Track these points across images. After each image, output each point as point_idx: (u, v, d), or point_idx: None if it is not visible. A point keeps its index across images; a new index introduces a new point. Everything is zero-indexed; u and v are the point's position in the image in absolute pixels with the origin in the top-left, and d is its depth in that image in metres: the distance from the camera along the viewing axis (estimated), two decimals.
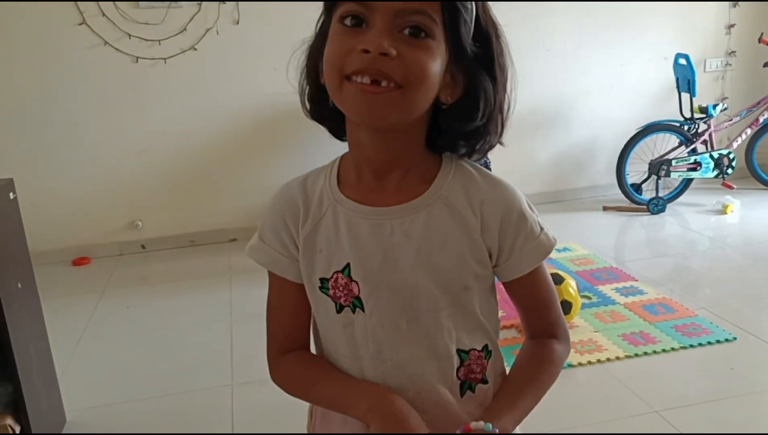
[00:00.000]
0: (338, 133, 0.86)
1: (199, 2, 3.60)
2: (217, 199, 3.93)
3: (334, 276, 0.84)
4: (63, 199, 3.73)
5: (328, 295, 0.85)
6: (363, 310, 0.83)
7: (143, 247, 3.87)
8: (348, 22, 0.74)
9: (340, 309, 0.85)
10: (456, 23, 0.75)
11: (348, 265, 0.83)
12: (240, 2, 3.64)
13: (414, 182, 0.83)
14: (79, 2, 3.46)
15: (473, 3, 0.77)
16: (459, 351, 0.85)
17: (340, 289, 0.84)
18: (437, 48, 0.75)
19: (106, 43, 3.55)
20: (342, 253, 0.83)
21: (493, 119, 0.82)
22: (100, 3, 3.48)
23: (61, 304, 3.10)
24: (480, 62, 0.79)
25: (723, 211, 3.93)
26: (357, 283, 0.83)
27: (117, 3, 3.50)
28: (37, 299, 2.10)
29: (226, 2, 3.62)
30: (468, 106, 0.80)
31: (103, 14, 3.50)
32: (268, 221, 0.89)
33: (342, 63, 0.73)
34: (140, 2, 3.53)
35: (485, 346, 0.87)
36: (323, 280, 0.85)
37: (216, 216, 3.94)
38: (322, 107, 0.83)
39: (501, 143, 0.85)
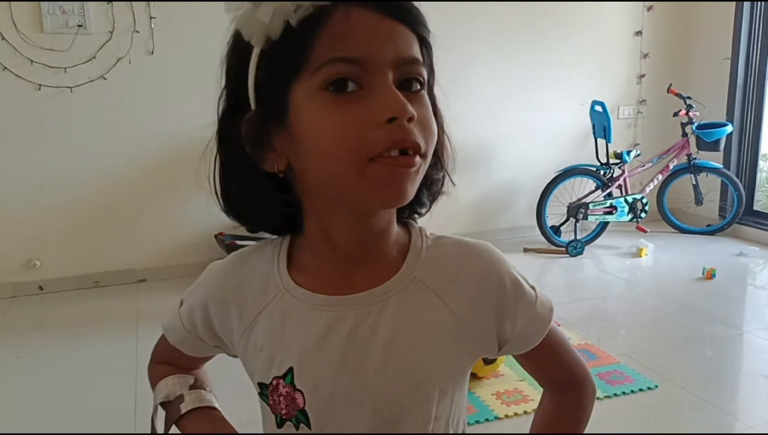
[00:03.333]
0: (281, 230, 0.72)
1: (110, 31, 3.41)
2: (125, 238, 3.68)
3: (275, 382, 0.68)
4: None
5: (267, 403, 0.70)
6: (308, 426, 0.67)
7: (41, 288, 3.57)
8: (333, 88, 0.58)
9: (281, 422, 0.69)
10: (432, 65, 0.66)
11: (291, 369, 0.67)
12: (155, 32, 3.47)
13: (384, 264, 0.68)
14: None
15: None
16: None
17: (282, 398, 0.68)
18: (427, 97, 0.64)
19: (5, 68, 3.29)
20: (285, 355, 0.68)
21: (440, 156, 0.69)
22: None
23: None
24: (430, 96, 0.67)
25: (638, 254, 4.03)
26: (302, 393, 0.67)
27: (18, 27, 3.26)
28: None
29: (140, 32, 3.45)
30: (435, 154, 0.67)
31: (2, 38, 3.25)
32: (191, 297, 0.76)
33: (363, 141, 0.58)
34: (45, 28, 3.30)
35: None
36: (262, 386, 0.70)
37: (123, 255, 3.69)
38: (262, 203, 0.67)
39: (452, 183, 0.72)
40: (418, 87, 0.62)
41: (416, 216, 0.74)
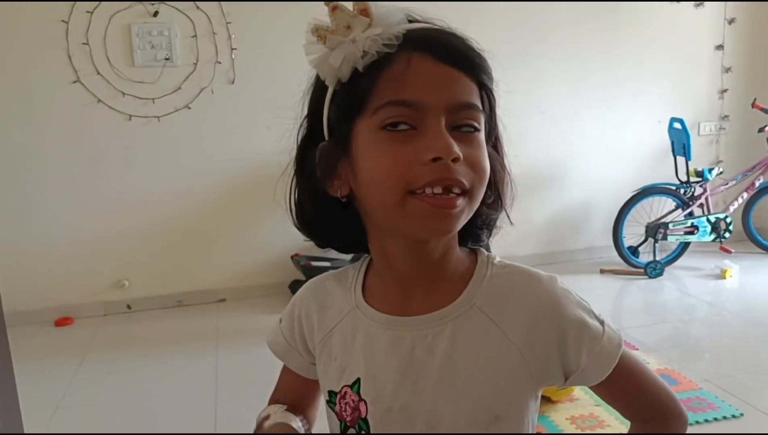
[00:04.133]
0: (347, 249, 0.79)
1: (195, 63, 3.60)
2: (207, 259, 3.85)
3: (343, 390, 0.74)
4: (48, 257, 3.64)
5: (334, 410, 0.76)
6: (369, 434, 0.73)
7: (129, 307, 3.77)
8: (390, 128, 0.65)
9: (344, 429, 0.75)
10: (493, 109, 0.71)
11: (358, 380, 0.73)
12: (236, 62, 3.64)
13: (444, 289, 0.73)
14: (74, 61, 3.45)
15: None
16: None
17: (348, 406, 0.74)
18: (483, 139, 0.69)
19: (99, 100, 3.53)
20: (355, 366, 0.74)
21: (501, 195, 0.75)
22: (95, 62, 3.47)
23: (39, 368, 3.00)
24: (489, 139, 0.73)
25: (722, 275, 3.86)
26: (365, 403, 0.73)
27: (112, 62, 3.50)
28: (8, 368, 1.99)
29: (222, 63, 3.63)
30: (491, 187, 0.72)
31: (98, 72, 3.49)
32: (287, 312, 0.85)
33: (406, 176, 0.64)
34: (136, 62, 3.53)
35: None
36: (331, 394, 0.76)
37: (205, 276, 3.85)
38: (329, 224, 0.75)
39: (510, 222, 0.77)
40: (472, 129, 0.67)
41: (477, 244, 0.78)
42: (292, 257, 3.70)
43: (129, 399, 2.71)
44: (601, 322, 0.73)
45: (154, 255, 3.77)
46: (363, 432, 0.73)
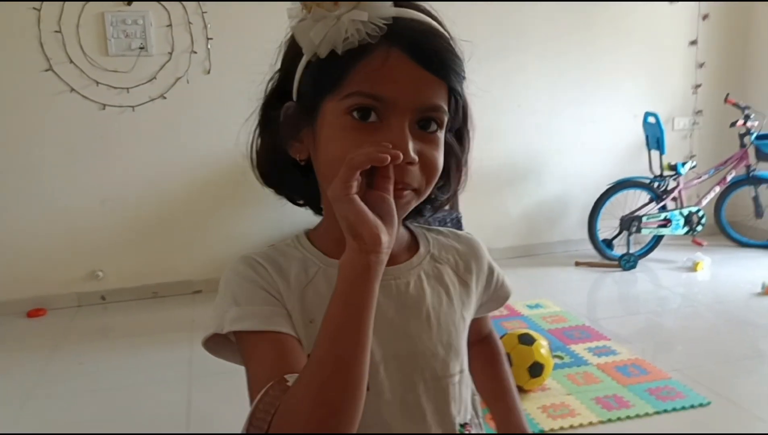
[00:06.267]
0: (305, 204, 0.81)
1: (170, 52, 3.56)
2: (183, 250, 3.82)
3: None
4: (21, 247, 3.59)
5: None
6: (367, 388, 0.68)
7: (103, 298, 3.73)
8: (356, 114, 0.66)
9: None
10: (457, 108, 0.72)
11: None
12: (212, 52, 3.61)
13: (400, 247, 0.80)
14: (46, 49, 3.40)
15: None
16: (460, 425, 0.79)
17: None
18: (442, 137, 0.71)
19: (72, 90, 3.48)
20: None
21: (457, 178, 0.79)
22: (67, 50, 3.42)
23: (10, 360, 2.97)
24: (453, 130, 0.76)
25: (693, 268, 3.92)
26: None
27: (85, 51, 3.45)
28: None
29: (198, 52, 3.60)
30: (444, 174, 0.75)
31: (71, 61, 3.44)
32: (242, 288, 0.73)
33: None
34: (110, 51, 3.49)
35: (473, 417, 0.84)
36: None
37: (181, 267, 3.82)
38: (284, 179, 0.77)
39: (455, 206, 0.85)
40: (435, 128, 0.69)
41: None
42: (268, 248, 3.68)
43: (101, 390, 2.68)
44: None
45: (128, 246, 3.74)
46: None
